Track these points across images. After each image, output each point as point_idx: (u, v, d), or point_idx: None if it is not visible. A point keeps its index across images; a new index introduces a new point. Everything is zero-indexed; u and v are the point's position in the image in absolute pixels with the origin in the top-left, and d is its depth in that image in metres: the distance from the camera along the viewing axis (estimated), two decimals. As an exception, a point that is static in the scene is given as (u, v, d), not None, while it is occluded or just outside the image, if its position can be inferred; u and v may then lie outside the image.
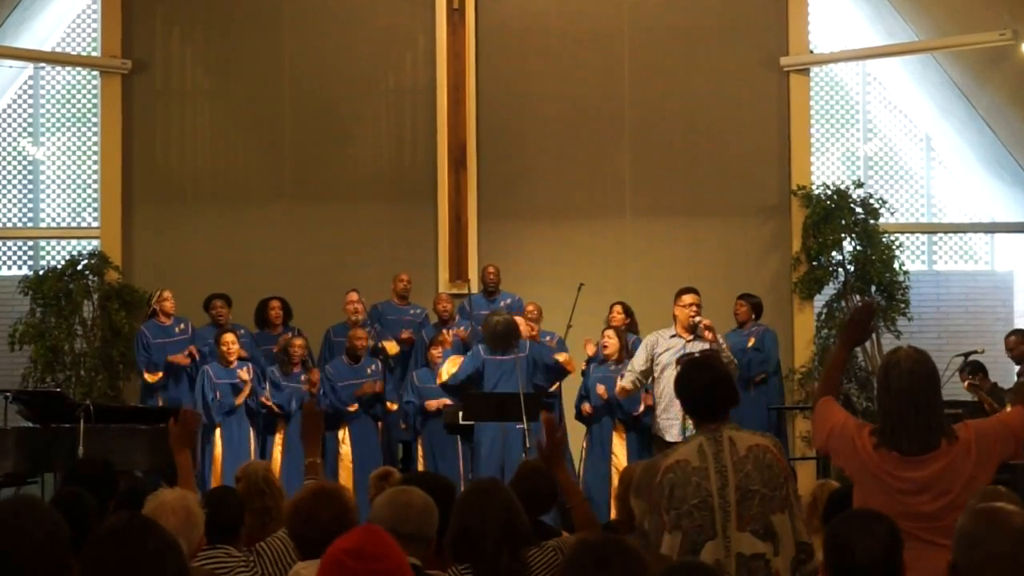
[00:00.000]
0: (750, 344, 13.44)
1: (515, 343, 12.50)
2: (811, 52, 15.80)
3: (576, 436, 13.09)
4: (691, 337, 11.52)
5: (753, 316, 13.70)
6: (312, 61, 15.48)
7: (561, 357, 12.87)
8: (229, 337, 12.97)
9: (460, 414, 12.38)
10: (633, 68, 15.49)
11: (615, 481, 12.27)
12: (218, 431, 12.75)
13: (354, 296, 13.68)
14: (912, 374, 5.12)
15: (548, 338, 13.44)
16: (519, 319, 13.03)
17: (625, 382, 11.89)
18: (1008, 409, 5.40)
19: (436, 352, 13.10)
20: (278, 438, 13.01)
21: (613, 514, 11.76)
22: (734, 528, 5.05)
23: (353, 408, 12.94)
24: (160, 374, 13.42)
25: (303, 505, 5.09)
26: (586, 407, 12.81)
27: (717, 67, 15.48)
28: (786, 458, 5.23)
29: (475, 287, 14.54)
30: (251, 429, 12.94)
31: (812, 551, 5.06)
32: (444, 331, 13.61)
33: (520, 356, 12.34)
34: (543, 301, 13.91)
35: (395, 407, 13.21)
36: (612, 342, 12.72)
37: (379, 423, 13.27)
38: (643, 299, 13.89)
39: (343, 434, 13.04)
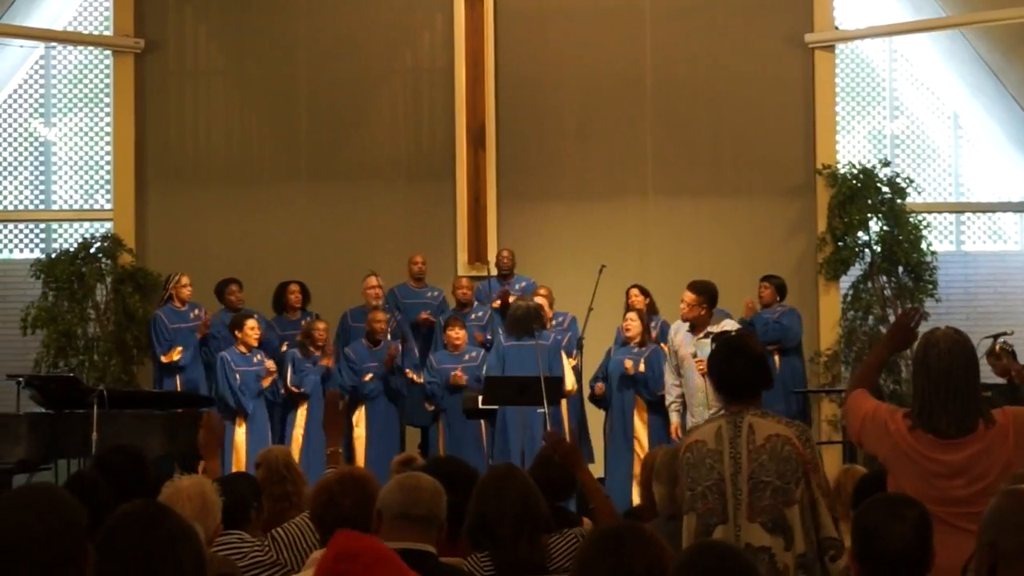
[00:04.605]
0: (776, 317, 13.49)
1: (536, 329, 12.34)
2: (836, 28, 15.63)
3: (598, 418, 12.95)
4: (702, 335, 11.01)
5: (778, 298, 13.60)
6: (328, 39, 15.33)
7: (569, 382, 12.51)
8: (252, 322, 12.78)
9: (479, 399, 12.22)
10: (655, 45, 15.30)
11: (637, 465, 12.15)
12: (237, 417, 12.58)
13: (373, 280, 13.52)
14: (951, 355, 5.11)
15: (560, 319, 13.37)
16: (542, 301, 12.96)
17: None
18: None
19: (454, 334, 12.91)
20: (300, 420, 12.82)
21: (635, 499, 11.62)
22: (745, 517, 4.98)
23: (368, 377, 12.75)
24: (179, 350, 13.27)
25: (326, 487, 5.03)
26: (599, 387, 12.69)
27: (741, 44, 15.28)
28: (813, 449, 5.11)
29: (493, 269, 14.32)
30: (267, 415, 12.78)
31: (842, 547, 4.96)
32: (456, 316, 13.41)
33: (542, 344, 12.20)
34: (564, 283, 13.76)
35: (421, 380, 13.00)
36: (635, 324, 12.56)
37: (396, 406, 13.10)
38: (665, 281, 13.68)
39: (358, 417, 12.90)
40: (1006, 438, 5.05)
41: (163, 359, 13.33)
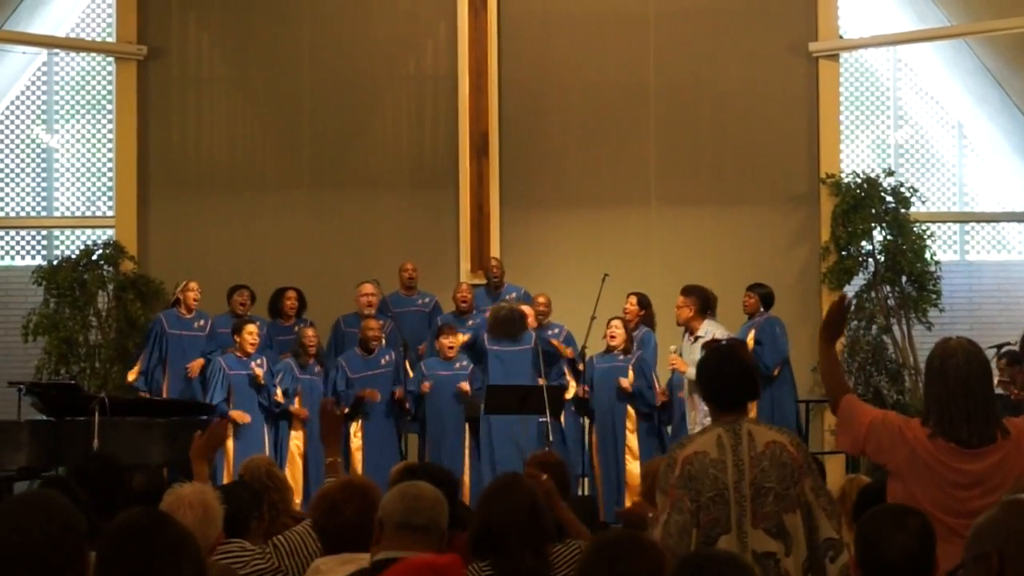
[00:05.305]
0: (750, 338, 12.66)
1: (520, 332, 12.39)
2: (841, 37, 15.58)
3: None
4: (694, 339, 11.19)
5: (762, 308, 13.06)
6: (332, 47, 15.31)
7: (554, 341, 12.83)
8: (253, 328, 12.81)
9: (482, 407, 12.24)
10: (659, 54, 15.27)
11: (628, 472, 12.16)
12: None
13: (370, 288, 13.47)
14: (969, 365, 5.13)
15: (556, 330, 13.28)
16: (526, 308, 13.03)
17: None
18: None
19: (447, 342, 12.83)
20: (293, 433, 12.80)
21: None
22: (749, 524, 4.97)
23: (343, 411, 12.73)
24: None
25: (328, 496, 5.01)
26: (583, 388, 12.71)
27: (745, 52, 15.26)
28: (805, 454, 5.14)
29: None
30: (264, 424, 12.76)
31: (841, 546, 4.96)
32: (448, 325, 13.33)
33: (527, 348, 12.23)
34: (566, 292, 13.73)
35: (400, 395, 12.96)
36: (619, 332, 12.60)
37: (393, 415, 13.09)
38: (668, 289, 13.59)
39: (355, 428, 12.84)
40: (1020, 448, 5.10)
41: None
